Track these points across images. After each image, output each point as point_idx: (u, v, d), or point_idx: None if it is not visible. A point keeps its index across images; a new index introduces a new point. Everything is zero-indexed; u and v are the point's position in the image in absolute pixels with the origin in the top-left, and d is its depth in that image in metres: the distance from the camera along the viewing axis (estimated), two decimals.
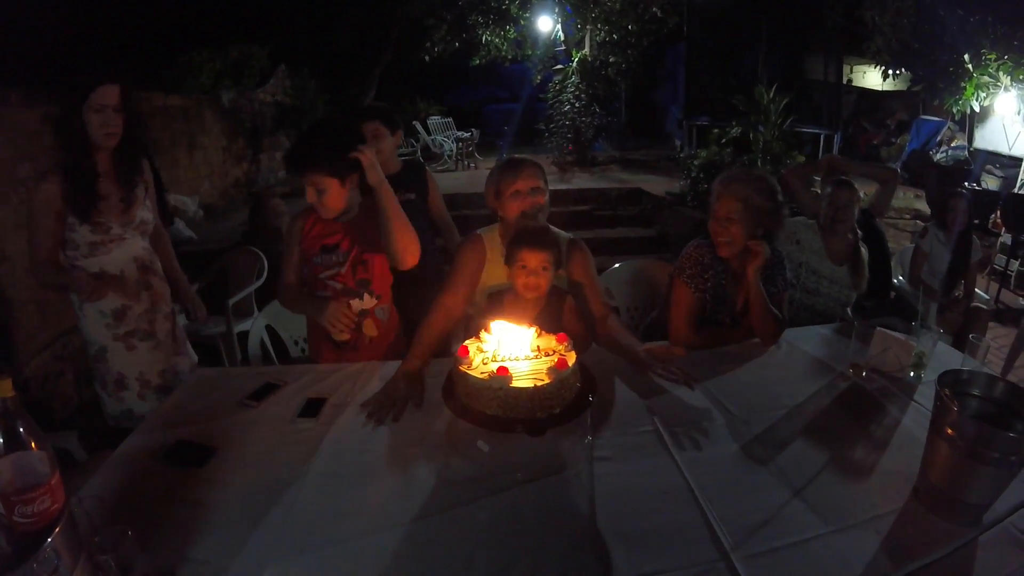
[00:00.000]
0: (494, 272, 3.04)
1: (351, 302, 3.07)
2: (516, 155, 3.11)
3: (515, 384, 2.16)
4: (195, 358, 3.63)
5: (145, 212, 3.21)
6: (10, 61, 7.39)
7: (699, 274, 3.14)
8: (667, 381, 2.56)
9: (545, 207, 3.03)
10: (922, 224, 7.76)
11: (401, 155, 4.23)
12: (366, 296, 3.11)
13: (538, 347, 2.39)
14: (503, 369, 2.19)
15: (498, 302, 2.88)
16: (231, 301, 5.12)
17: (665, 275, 3.55)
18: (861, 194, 3.99)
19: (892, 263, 4.89)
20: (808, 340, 3.13)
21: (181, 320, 3.61)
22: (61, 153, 2.93)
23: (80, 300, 3.08)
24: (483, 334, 2.47)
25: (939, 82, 10.66)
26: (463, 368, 2.26)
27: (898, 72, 11.90)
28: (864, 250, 3.98)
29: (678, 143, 15.62)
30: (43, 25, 9.38)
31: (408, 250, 3.04)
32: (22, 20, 8.57)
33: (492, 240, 3.08)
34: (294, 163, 2.90)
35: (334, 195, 2.94)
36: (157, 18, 11.72)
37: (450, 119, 17.09)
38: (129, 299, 3.15)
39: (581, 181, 12.03)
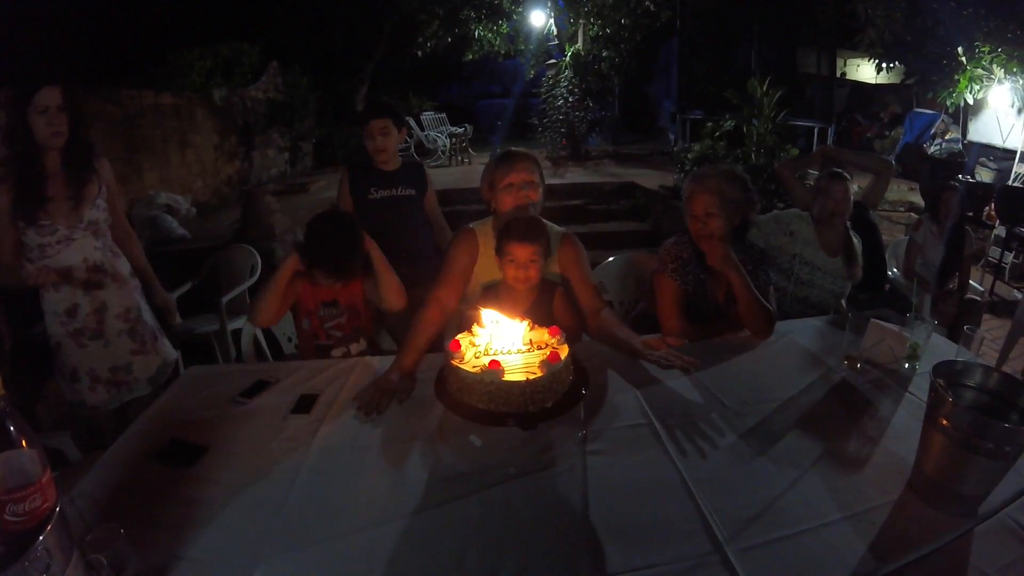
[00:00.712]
0: (487, 264, 3.04)
1: (351, 347, 3.30)
2: (513, 147, 3.10)
3: (507, 378, 2.15)
4: (170, 355, 3.71)
5: (96, 212, 3.27)
6: None
7: (680, 268, 3.18)
8: (663, 368, 2.50)
9: (539, 202, 3.03)
10: (916, 216, 7.75)
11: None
12: (361, 339, 3.33)
13: (530, 340, 2.38)
14: (495, 363, 2.17)
15: (492, 295, 2.89)
16: (224, 299, 5.11)
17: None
18: (855, 187, 3.99)
19: (886, 255, 4.89)
20: (802, 332, 3.13)
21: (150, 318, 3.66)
22: (10, 158, 3.04)
23: (28, 285, 3.13)
24: (475, 328, 2.46)
25: (932, 75, 10.65)
26: (455, 362, 2.25)
27: (891, 65, 11.89)
28: (856, 239, 3.99)
29: (671, 137, 15.62)
30: (31, 24, 9.34)
31: (395, 294, 3.23)
32: (10, 19, 8.53)
33: (485, 233, 3.09)
34: (341, 274, 3.15)
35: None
36: (146, 16, 11.67)
37: (443, 115, 17.04)
38: (75, 297, 3.24)
39: (574, 175, 12.00)
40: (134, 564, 1.60)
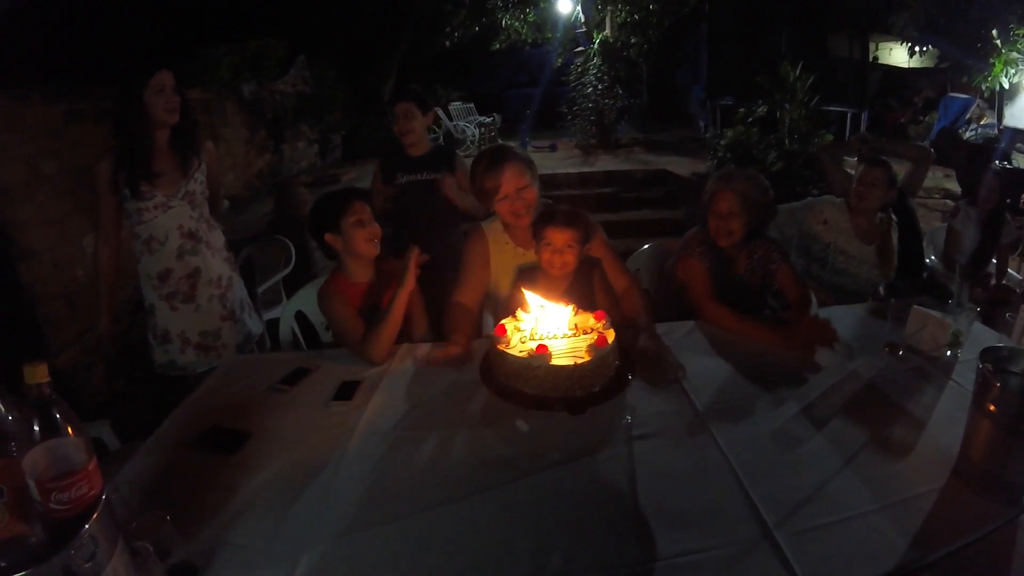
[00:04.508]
0: (501, 260, 3.08)
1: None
2: (494, 146, 3.08)
3: (555, 362, 2.14)
4: (256, 328, 3.83)
5: (194, 184, 3.42)
6: (30, 60, 7.43)
7: (706, 251, 3.25)
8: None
9: (537, 201, 2.99)
10: (951, 203, 7.61)
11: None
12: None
13: (575, 325, 2.36)
14: (542, 347, 2.17)
15: (529, 278, 2.85)
16: (260, 289, 5.15)
17: None
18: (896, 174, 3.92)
19: (923, 243, 4.82)
20: (842, 319, 3.07)
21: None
22: (117, 135, 3.24)
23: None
24: (519, 312, 2.46)
25: (966, 59, 10.48)
26: (501, 347, 2.24)
27: (924, 49, 11.70)
28: (895, 236, 3.94)
29: (701, 124, 15.49)
30: (62, 24, 9.42)
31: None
32: (41, 20, 8.60)
33: (493, 230, 3.12)
34: (348, 195, 3.07)
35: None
36: (173, 14, 11.75)
37: (471, 105, 17.05)
38: (168, 261, 3.39)
39: (605, 163, 11.91)
40: (180, 550, 1.60)
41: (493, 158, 2.96)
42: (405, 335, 3.22)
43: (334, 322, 3.07)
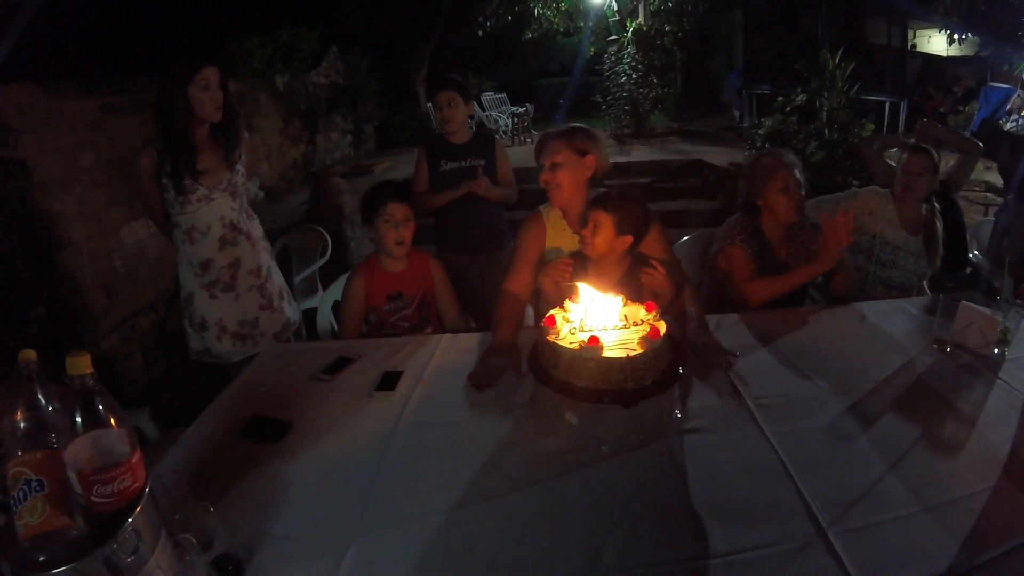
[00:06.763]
0: (558, 245, 3.04)
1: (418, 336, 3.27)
2: (562, 126, 3.05)
3: (607, 354, 2.09)
4: (293, 316, 3.79)
5: (235, 176, 3.42)
6: (64, 54, 7.48)
7: (748, 237, 3.25)
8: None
9: (572, 185, 2.93)
10: (992, 196, 7.46)
11: None
12: (428, 328, 3.40)
13: (625, 317, 2.31)
14: (594, 339, 2.11)
15: (581, 265, 2.80)
16: (297, 279, 5.17)
17: None
18: (941, 165, 3.82)
19: (967, 237, 4.71)
20: (890, 314, 3.03)
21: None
22: (159, 130, 3.20)
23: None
24: (567, 303, 2.41)
25: (1008, 47, 10.29)
26: (551, 338, 2.20)
27: (964, 36, 11.50)
28: (939, 225, 3.85)
29: (736, 113, 15.35)
30: (95, 17, 9.49)
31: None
32: (74, 13, 8.67)
33: (553, 215, 3.07)
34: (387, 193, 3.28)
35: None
36: (205, 6, 11.83)
37: (504, 95, 17.08)
38: (210, 252, 3.37)
39: (640, 153, 11.88)
40: (223, 541, 1.59)
41: (546, 134, 3.03)
42: (437, 321, 3.37)
43: (341, 306, 3.36)
